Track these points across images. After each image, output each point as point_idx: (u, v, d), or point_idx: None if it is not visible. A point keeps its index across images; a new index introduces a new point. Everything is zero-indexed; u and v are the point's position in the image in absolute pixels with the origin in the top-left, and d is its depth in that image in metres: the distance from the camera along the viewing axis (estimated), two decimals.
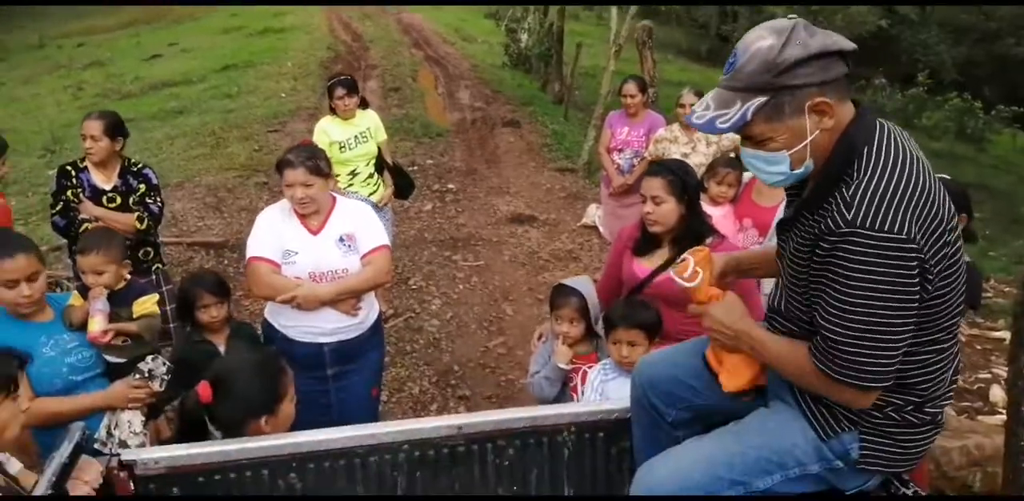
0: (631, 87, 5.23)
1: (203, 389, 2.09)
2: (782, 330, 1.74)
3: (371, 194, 4.94)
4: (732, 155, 4.64)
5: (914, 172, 1.52)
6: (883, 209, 1.47)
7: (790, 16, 1.57)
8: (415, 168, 8.52)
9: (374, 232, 3.06)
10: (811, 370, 1.59)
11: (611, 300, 2.91)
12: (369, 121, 5.00)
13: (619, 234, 3.12)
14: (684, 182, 2.75)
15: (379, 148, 5.03)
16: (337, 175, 4.73)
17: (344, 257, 2.99)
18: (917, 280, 1.48)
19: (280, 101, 11.74)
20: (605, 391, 2.62)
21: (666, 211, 2.73)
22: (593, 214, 7.01)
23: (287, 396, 2.16)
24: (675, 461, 1.78)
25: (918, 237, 1.46)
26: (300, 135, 8.73)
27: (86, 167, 3.75)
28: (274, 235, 2.97)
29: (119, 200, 3.76)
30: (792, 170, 1.59)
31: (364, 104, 5.02)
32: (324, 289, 2.92)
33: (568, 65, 12.37)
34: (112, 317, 2.55)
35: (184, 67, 14.97)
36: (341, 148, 4.81)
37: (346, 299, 2.97)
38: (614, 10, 9.72)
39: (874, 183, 1.50)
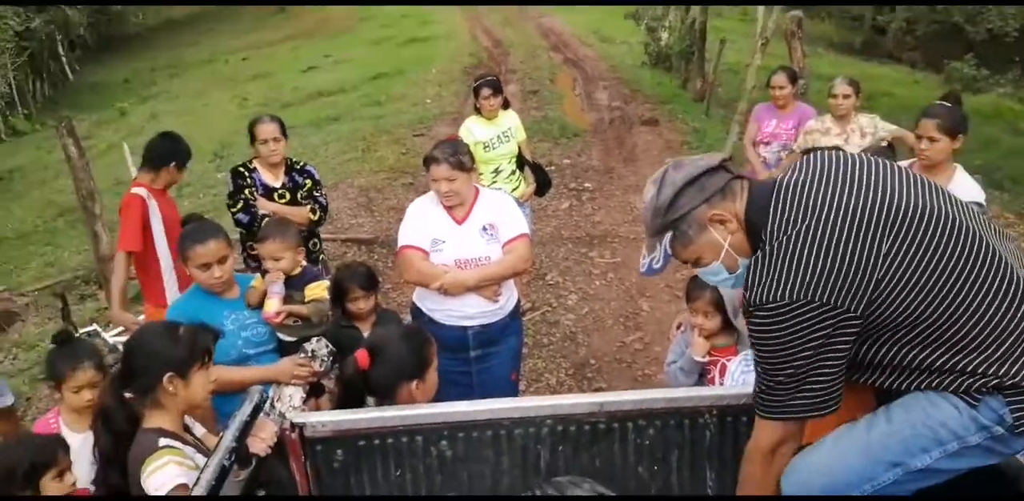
0: (780, 78, 5.08)
1: (361, 356, 2.28)
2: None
3: (513, 190, 5.08)
4: (884, 144, 4.41)
5: (818, 216, 1.63)
6: (771, 282, 1.62)
7: (666, 160, 1.84)
8: (552, 168, 8.62)
9: (515, 222, 3.18)
10: (754, 445, 1.80)
11: None
12: (510, 121, 5.15)
13: None
14: None
15: (519, 147, 5.18)
16: (481, 173, 4.92)
17: (487, 245, 3.12)
18: (826, 332, 1.59)
19: (425, 107, 12.23)
20: (747, 383, 2.58)
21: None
22: None
23: (432, 364, 2.33)
24: (827, 452, 1.76)
25: (816, 294, 1.58)
26: (455, 136, 9.08)
27: (255, 168, 4.10)
28: (423, 225, 3.15)
29: (288, 196, 4.10)
30: (731, 273, 1.80)
31: (506, 104, 5.17)
32: (468, 275, 3.06)
33: (710, 62, 12.10)
34: (286, 299, 2.79)
35: (338, 77, 15.88)
36: (485, 147, 4.99)
37: (488, 285, 3.11)
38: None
39: (764, 261, 1.65)
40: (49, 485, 2.14)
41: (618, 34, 19.20)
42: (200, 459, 1.95)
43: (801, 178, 1.71)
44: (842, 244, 1.59)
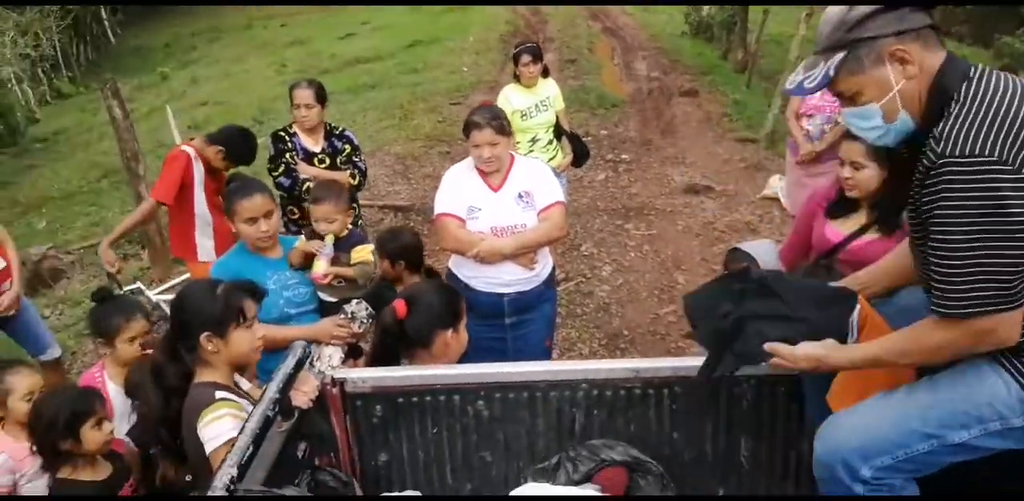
0: None
1: (399, 305, 2.35)
2: None
3: (550, 160, 5.05)
4: None
5: (1010, 100, 1.53)
6: (971, 136, 1.49)
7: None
8: (589, 139, 8.54)
9: (550, 189, 3.18)
10: (938, 333, 1.59)
11: (797, 263, 2.83)
12: (550, 90, 5.10)
13: (812, 194, 3.01)
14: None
15: (557, 117, 5.13)
16: (518, 142, 4.89)
17: (523, 212, 3.12)
18: (1012, 195, 1.46)
19: (462, 75, 12.17)
20: None
21: (866, 177, 2.60)
22: (775, 185, 6.74)
23: (463, 319, 2.42)
24: (864, 414, 1.74)
25: (1008, 157, 1.47)
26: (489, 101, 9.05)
27: (295, 133, 4.13)
28: (459, 192, 3.15)
29: (328, 161, 4.13)
30: (886, 123, 1.65)
31: (546, 73, 5.12)
32: (504, 243, 3.07)
33: (753, 32, 11.84)
34: (333, 261, 2.83)
35: (375, 44, 15.86)
36: (523, 116, 4.95)
37: (524, 253, 3.11)
38: None
39: (963, 115, 1.53)
40: (89, 433, 2.24)
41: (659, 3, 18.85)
42: None
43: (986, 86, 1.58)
44: None
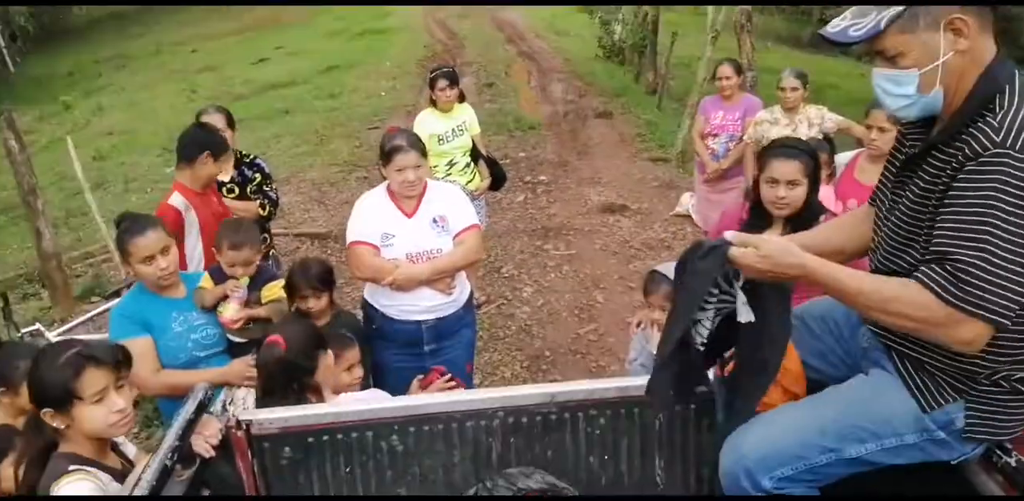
0: (726, 69, 5.15)
1: (277, 340, 2.32)
2: None
3: (468, 183, 5.07)
4: (820, 137, 4.48)
5: None
6: None
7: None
8: (507, 161, 8.63)
9: (465, 213, 3.17)
10: (921, 304, 1.46)
11: None
12: (466, 114, 5.13)
13: (724, 213, 3.07)
14: (815, 162, 2.69)
15: (473, 140, 5.16)
16: (435, 166, 4.89)
17: (438, 237, 3.10)
18: None
19: (380, 99, 12.12)
20: None
21: (800, 194, 2.63)
22: (687, 203, 6.92)
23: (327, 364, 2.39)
24: (767, 427, 1.76)
25: None
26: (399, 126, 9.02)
27: None
28: (372, 220, 3.11)
29: (237, 191, 3.99)
30: (919, 93, 1.54)
31: (462, 98, 5.14)
32: (420, 269, 3.04)
33: (662, 55, 12.21)
34: (244, 301, 2.74)
35: (290, 69, 15.64)
36: (440, 140, 4.95)
37: (441, 278, 3.09)
38: None
39: (1016, 107, 1.45)
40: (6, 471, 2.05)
41: (572, 27, 19.27)
42: (115, 487, 1.81)
43: None
44: None
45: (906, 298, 1.49)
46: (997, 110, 1.47)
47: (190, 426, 1.92)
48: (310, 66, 15.62)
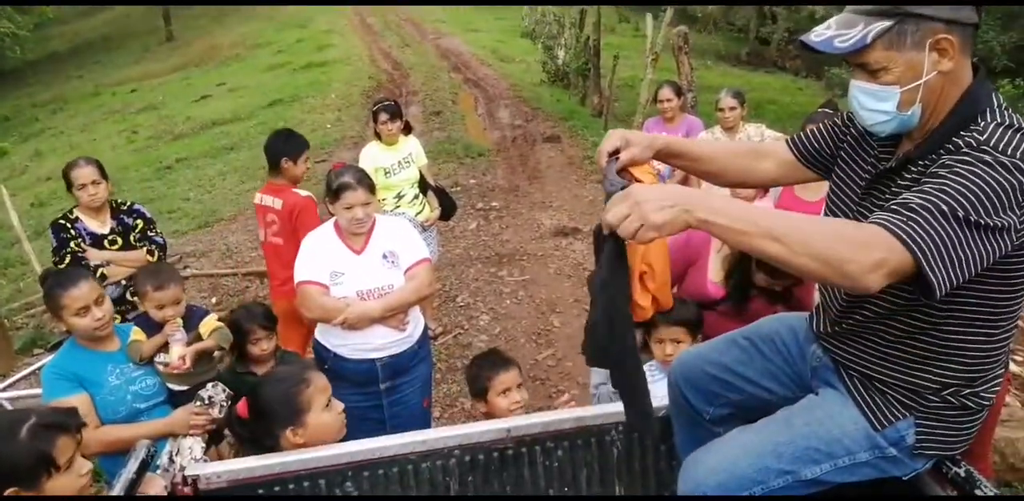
0: (666, 91, 5.25)
1: (241, 406, 2.23)
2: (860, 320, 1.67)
3: (417, 214, 5.05)
4: None
5: None
6: (1014, 141, 1.40)
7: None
8: (458, 188, 8.64)
9: (415, 247, 3.14)
10: (877, 237, 1.34)
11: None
12: (411, 146, 5.12)
13: (688, 241, 2.99)
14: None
15: (421, 172, 5.15)
16: (383, 199, 4.86)
17: (389, 273, 3.06)
18: (1020, 212, 1.37)
19: (325, 132, 12.05)
20: (652, 392, 2.61)
21: None
22: None
23: (314, 407, 2.19)
24: (722, 452, 1.76)
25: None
26: (345, 162, 8.96)
27: (77, 217, 3.76)
28: (320, 258, 3.06)
29: (120, 241, 3.77)
30: (898, 111, 1.53)
31: (408, 129, 5.12)
32: (372, 306, 2.99)
33: (606, 78, 12.42)
34: (189, 344, 2.68)
35: (233, 105, 15.48)
36: (386, 173, 4.93)
37: (394, 314, 3.05)
38: (649, 19, 9.73)
39: (1004, 124, 1.45)
40: None
41: (516, 53, 19.50)
42: None
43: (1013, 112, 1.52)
44: None
45: (840, 227, 1.39)
46: (981, 128, 1.46)
47: (133, 486, 1.85)
48: (253, 101, 15.49)
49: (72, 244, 3.69)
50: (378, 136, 5.01)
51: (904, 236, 1.33)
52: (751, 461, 1.70)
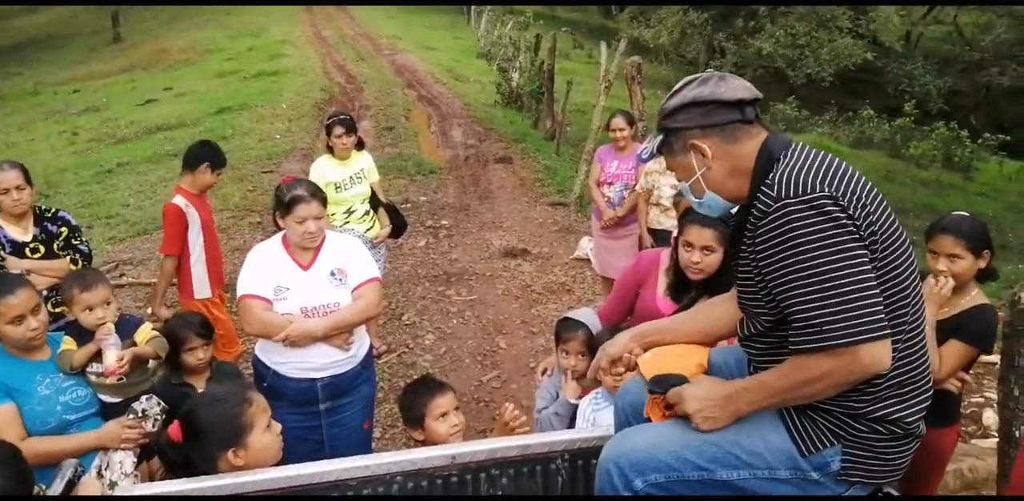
0: (619, 121, 5.32)
1: (174, 429, 2.12)
2: (762, 348, 1.78)
3: (367, 230, 4.99)
4: None
5: (831, 160, 1.68)
6: (799, 179, 1.60)
7: (710, 72, 1.83)
8: (408, 205, 8.59)
9: (364, 265, 3.09)
10: (811, 365, 1.59)
11: (617, 324, 2.91)
12: (364, 162, 5.07)
13: (637, 263, 3.04)
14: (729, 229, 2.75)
15: (372, 188, 5.10)
16: (332, 214, 4.78)
17: (335, 291, 3.00)
18: (850, 229, 1.56)
19: (275, 142, 11.86)
20: (597, 420, 2.61)
21: (714, 261, 2.67)
22: (585, 247, 7.05)
23: (256, 427, 2.10)
24: (650, 435, 1.82)
25: (838, 195, 1.57)
26: (295, 175, 8.82)
27: None
28: (265, 272, 2.99)
29: (42, 249, 3.59)
30: (697, 198, 1.82)
31: (360, 145, 5.07)
32: (316, 324, 2.92)
33: (559, 102, 12.56)
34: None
35: (179, 111, 15.13)
36: (337, 188, 4.86)
37: (339, 333, 2.99)
38: (604, 48, 9.89)
39: (790, 164, 1.65)
40: None
41: (471, 73, 19.60)
42: None
43: (808, 150, 1.73)
44: (865, 190, 1.63)
45: (802, 369, 1.62)
46: (773, 172, 1.66)
47: None
48: (200, 108, 15.17)
49: None
50: (330, 150, 4.94)
51: (817, 346, 1.56)
52: (673, 449, 1.76)
